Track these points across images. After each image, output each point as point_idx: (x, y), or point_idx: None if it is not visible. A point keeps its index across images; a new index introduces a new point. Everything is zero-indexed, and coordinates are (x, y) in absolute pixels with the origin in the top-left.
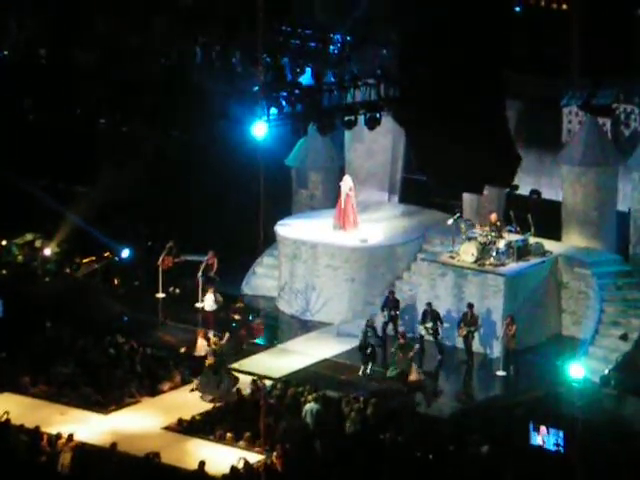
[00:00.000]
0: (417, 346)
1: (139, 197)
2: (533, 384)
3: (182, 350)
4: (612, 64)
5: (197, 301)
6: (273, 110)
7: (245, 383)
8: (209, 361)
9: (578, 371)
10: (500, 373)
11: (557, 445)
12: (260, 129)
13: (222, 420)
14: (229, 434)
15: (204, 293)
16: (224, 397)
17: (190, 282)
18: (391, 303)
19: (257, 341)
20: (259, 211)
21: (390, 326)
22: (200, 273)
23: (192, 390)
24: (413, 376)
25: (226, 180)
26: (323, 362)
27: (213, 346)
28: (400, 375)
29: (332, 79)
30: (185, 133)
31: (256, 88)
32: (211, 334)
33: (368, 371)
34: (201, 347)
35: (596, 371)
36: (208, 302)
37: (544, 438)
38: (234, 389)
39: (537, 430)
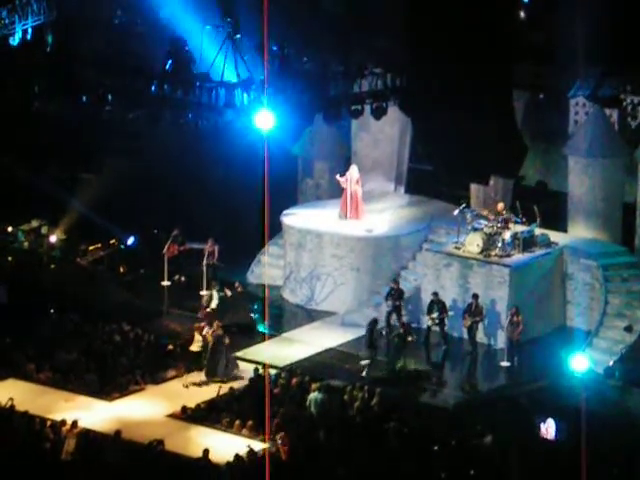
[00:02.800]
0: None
1: (145, 185)
2: (537, 375)
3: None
4: (620, 55)
5: (202, 289)
6: (279, 99)
7: (249, 371)
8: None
9: (582, 362)
10: (504, 364)
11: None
12: (266, 118)
13: (227, 408)
14: (237, 422)
15: (208, 282)
16: (227, 379)
17: (195, 270)
18: (395, 293)
19: (262, 329)
20: (265, 200)
21: (394, 316)
22: (205, 261)
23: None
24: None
25: (232, 169)
26: (328, 351)
27: (209, 337)
28: (403, 368)
29: (339, 68)
30: (190, 121)
31: (262, 77)
32: (215, 324)
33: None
34: (198, 343)
35: (600, 363)
36: (214, 301)
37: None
38: (235, 372)
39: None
